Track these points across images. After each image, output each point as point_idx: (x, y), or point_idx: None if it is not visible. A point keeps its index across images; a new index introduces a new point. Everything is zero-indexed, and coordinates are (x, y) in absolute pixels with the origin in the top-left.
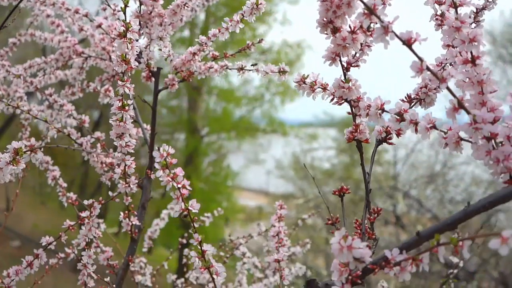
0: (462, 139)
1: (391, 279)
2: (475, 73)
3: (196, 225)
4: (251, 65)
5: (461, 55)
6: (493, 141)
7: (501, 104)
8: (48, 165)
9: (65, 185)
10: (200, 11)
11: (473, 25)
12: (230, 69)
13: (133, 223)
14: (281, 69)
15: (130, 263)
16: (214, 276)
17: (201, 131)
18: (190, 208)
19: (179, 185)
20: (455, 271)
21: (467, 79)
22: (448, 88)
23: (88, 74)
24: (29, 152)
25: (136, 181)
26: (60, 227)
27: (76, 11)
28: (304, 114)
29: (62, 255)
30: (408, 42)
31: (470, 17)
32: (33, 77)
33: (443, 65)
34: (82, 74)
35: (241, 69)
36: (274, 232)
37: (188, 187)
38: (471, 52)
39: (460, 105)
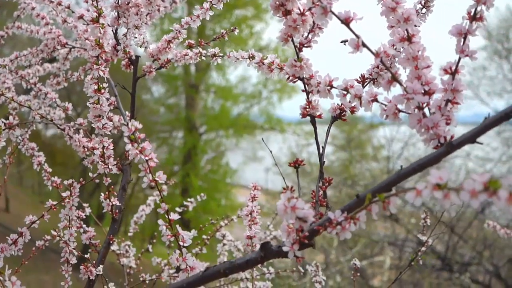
0: (400, 110)
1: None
2: (411, 50)
3: (163, 195)
4: (248, 58)
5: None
6: (426, 110)
7: (435, 78)
8: (33, 151)
9: (50, 170)
10: (180, 3)
11: (424, 10)
12: (204, 56)
13: (114, 203)
14: (251, 55)
15: (111, 242)
16: (181, 243)
17: (199, 129)
18: (157, 179)
19: (147, 158)
20: (424, 248)
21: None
22: (382, 63)
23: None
24: (7, 130)
25: (115, 163)
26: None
27: (59, 3)
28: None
29: (48, 237)
30: (346, 21)
31: (420, 2)
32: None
33: (395, 46)
34: (67, 65)
35: (214, 55)
36: (247, 211)
37: (155, 160)
38: (407, 30)
39: (394, 78)
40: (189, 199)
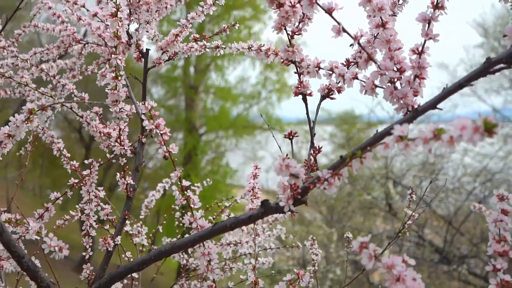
0: (376, 85)
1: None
2: (385, 35)
3: (174, 164)
4: (248, 48)
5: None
6: (398, 84)
7: (405, 58)
8: (53, 138)
9: (68, 155)
10: (182, 3)
11: (401, 1)
12: (208, 48)
13: (128, 182)
14: (250, 46)
15: (126, 218)
16: (192, 205)
17: (199, 129)
18: (170, 150)
19: (162, 132)
20: (410, 222)
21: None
22: (359, 44)
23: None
24: (40, 111)
25: (130, 144)
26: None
27: (75, 3)
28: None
29: (73, 213)
30: (329, 11)
31: None
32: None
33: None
34: (81, 59)
35: (217, 47)
36: (250, 187)
37: (168, 134)
38: (381, 18)
39: (369, 57)
40: (195, 184)
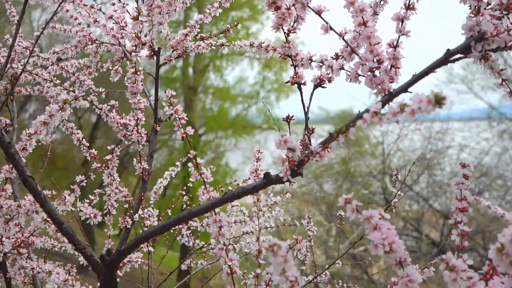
0: (358, 74)
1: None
2: (366, 32)
3: (191, 144)
4: (250, 45)
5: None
6: (377, 72)
7: (383, 51)
8: (72, 129)
9: (87, 144)
10: (191, 3)
11: (382, 2)
12: (214, 46)
13: (144, 167)
14: (251, 43)
15: (142, 198)
16: (205, 179)
17: (198, 130)
18: (187, 131)
19: (180, 116)
20: (396, 200)
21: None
22: (344, 40)
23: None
24: (74, 100)
25: (146, 132)
26: None
27: (92, 6)
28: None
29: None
30: (319, 12)
31: None
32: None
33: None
34: (97, 57)
35: (222, 45)
36: (253, 169)
37: (185, 118)
38: (363, 18)
39: (352, 50)
40: (210, 167)
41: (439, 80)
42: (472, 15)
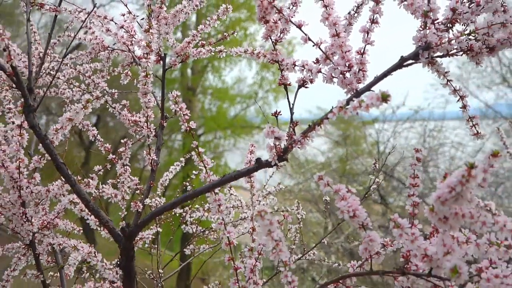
0: (333, 76)
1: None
2: (338, 41)
3: (195, 137)
4: (244, 51)
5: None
6: (348, 75)
7: (353, 57)
8: (88, 127)
9: (102, 140)
10: (191, 13)
11: (355, 14)
12: (213, 52)
13: (153, 158)
14: (245, 50)
15: (151, 186)
16: (206, 165)
17: (197, 130)
18: (190, 125)
19: (184, 113)
20: (374, 186)
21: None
22: (320, 48)
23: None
24: (96, 100)
25: (155, 127)
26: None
27: (105, 17)
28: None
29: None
30: (299, 26)
31: (353, 9)
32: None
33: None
34: (109, 62)
35: (220, 51)
36: (247, 161)
37: (189, 114)
38: (335, 30)
39: (326, 57)
40: (194, 172)
41: (435, 79)
42: (420, 29)
